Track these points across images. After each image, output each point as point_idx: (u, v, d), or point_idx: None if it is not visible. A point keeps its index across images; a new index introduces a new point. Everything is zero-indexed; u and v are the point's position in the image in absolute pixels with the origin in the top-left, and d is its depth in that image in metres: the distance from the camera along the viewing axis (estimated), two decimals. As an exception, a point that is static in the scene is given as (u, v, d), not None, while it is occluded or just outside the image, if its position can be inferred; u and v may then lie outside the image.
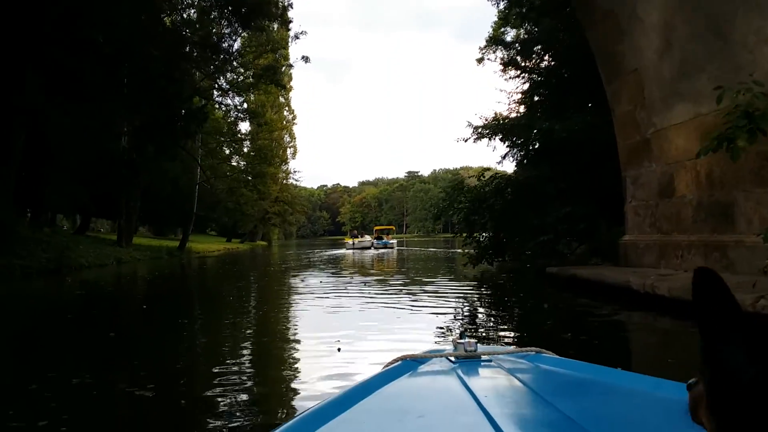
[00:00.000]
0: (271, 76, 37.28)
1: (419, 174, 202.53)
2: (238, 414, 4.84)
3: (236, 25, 31.25)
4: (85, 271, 25.31)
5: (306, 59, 37.72)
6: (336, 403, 1.66)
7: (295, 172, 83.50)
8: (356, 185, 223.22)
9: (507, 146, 25.64)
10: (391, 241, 61.99)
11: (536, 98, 22.46)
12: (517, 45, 30.86)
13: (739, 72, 9.31)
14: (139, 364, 7.19)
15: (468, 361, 2.18)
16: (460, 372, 2.01)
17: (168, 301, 15.37)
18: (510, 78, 31.70)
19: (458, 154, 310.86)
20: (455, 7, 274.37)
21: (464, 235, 21.36)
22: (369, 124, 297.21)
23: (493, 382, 2.03)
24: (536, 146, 19.05)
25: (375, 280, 19.24)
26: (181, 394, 5.88)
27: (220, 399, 5.29)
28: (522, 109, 25.91)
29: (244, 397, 5.48)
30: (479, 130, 22.60)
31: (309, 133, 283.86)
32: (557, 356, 2.32)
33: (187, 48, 30.34)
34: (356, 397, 1.72)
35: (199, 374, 6.68)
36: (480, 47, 34.89)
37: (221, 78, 41.00)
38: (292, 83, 77.40)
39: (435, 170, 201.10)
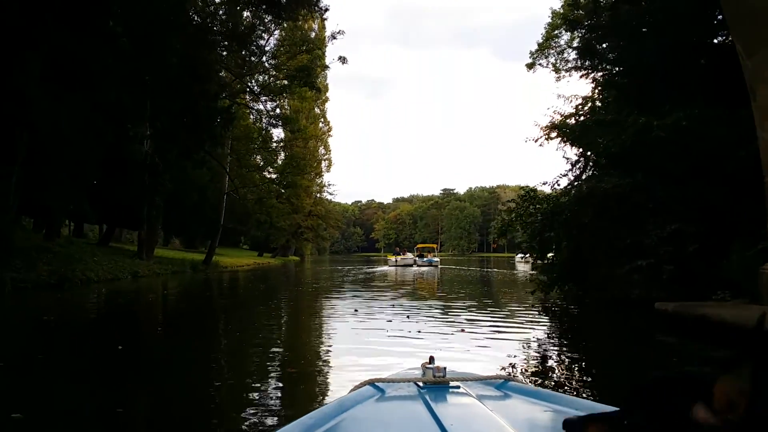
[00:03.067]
0: (305, 78, 34.30)
1: (454, 191, 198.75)
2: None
3: (265, 14, 28.26)
4: (92, 285, 22.46)
5: (343, 60, 34.77)
6: (299, 426, 1.65)
7: (329, 185, 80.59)
8: (391, 202, 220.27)
9: (578, 153, 22.27)
10: (435, 259, 59.78)
11: (606, 99, 18.79)
12: (582, 41, 27.90)
13: None
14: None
15: (436, 387, 2.15)
16: (427, 398, 1.99)
17: (164, 334, 12.31)
18: (568, 82, 28.95)
19: (494, 172, 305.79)
20: (496, 26, 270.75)
21: (528, 256, 18.10)
22: (404, 140, 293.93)
23: (460, 409, 1.96)
24: (624, 148, 15.25)
25: (428, 313, 16.05)
26: None
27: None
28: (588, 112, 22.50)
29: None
30: (549, 131, 19.27)
31: (345, 149, 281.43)
32: (527, 385, 2.35)
33: (212, 40, 27.29)
34: (319, 422, 1.70)
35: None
36: (531, 51, 32.31)
37: (252, 80, 38.29)
38: (328, 94, 75.25)
39: (471, 188, 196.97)
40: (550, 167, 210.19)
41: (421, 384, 2.17)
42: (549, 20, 31.56)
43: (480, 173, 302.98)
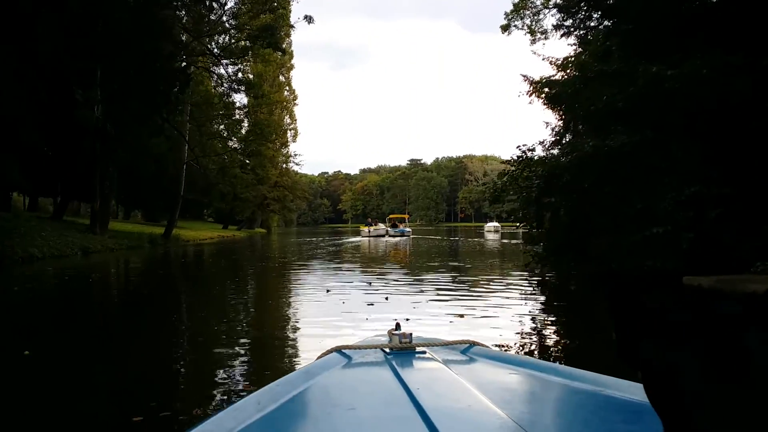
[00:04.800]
0: (268, 38, 32.08)
1: (422, 162, 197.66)
2: None
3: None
4: (36, 263, 20.35)
5: (309, 19, 32.66)
6: (265, 394, 1.64)
7: (295, 155, 78.28)
8: (358, 173, 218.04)
9: (559, 116, 20.57)
10: (408, 229, 60.69)
11: (606, 50, 16.87)
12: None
13: None
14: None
15: (402, 353, 2.17)
16: (394, 363, 2.01)
17: (102, 323, 10.38)
18: (543, 45, 27.68)
19: (461, 143, 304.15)
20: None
21: (521, 225, 16.50)
22: (371, 111, 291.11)
23: (426, 374, 1.98)
24: (633, 102, 13.35)
25: (412, 287, 14.35)
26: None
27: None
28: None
29: None
30: (537, 87, 17.52)
31: (311, 120, 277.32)
32: (492, 349, 2.33)
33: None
34: (286, 389, 1.70)
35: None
36: (506, 12, 30.88)
37: (212, 42, 35.88)
38: (293, 62, 72.61)
39: (438, 158, 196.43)
40: (522, 135, 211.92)
41: (387, 350, 2.20)
42: None
43: (447, 144, 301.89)
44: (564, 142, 19.53)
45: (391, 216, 77.97)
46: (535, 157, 15.93)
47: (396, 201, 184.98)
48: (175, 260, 26.23)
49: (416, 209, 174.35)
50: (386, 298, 10.95)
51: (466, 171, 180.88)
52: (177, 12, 30.17)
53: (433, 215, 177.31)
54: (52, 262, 21.08)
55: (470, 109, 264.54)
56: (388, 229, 59.92)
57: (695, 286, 8.95)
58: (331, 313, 9.59)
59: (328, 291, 12.48)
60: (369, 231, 58.39)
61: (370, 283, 14.02)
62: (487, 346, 2.30)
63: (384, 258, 26.07)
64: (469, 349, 2.25)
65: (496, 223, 77.46)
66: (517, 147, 16.39)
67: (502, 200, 17.01)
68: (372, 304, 10.20)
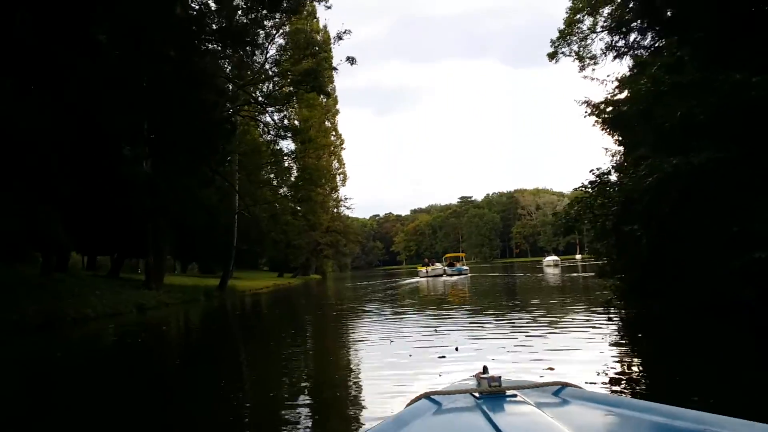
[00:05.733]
0: (312, 82, 31.68)
1: (472, 199, 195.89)
2: None
3: (261, 6, 25.51)
4: (90, 323, 19.84)
5: (352, 60, 32.03)
6: None
7: (346, 199, 77.91)
8: (409, 213, 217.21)
9: (618, 140, 19.32)
10: (465, 268, 59.50)
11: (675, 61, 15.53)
12: (614, 16, 25.32)
13: None
14: None
15: (492, 397, 2.09)
16: (485, 408, 1.94)
17: (151, 385, 9.51)
18: (593, 70, 26.88)
19: (511, 177, 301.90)
20: (503, 34, 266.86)
21: (602, 258, 15.23)
22: (418, 152, 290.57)
23: (519, 419, 1.88)
24: (716, 114, 12.02)
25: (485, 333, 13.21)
26: None
27: None
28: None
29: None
30: (601, 107, 16.38)
31: (358, 164, 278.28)
32: (585, 390, 2.24)
33: (205, 39, 24.56)
34: None
35: None
36: (551, 40, 30.08)
37: (256, 91, 35.70)
38: (338, 107, 72.80)
39: (488, 194, 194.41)
40: (572, 165, 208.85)
41: (477, 395, 2.12)
42: (570, 4, 29.51)
43: (496, 179, 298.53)
44: (626, 166, 18.32)
45: (447, 255, 77.03)
46: (609, 182, 14.70)
47: (449, 240, 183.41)
48: (230, 312, 25.53)
49: (470, 247, 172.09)
50: (456, 349, 9.77)
51: (518, 205, 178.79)
52: (219, 62, 30.01)
53: (487, 252, 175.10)
54: (105, 321, 20.56)
55: (517, 143, 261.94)
56: (446, 268, 59.14)
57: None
58: (398, 368, 8.54)
59: (391, 341, 11.41)
60: (427, 271, 57.86)
61: (437, 329, 12.89)
62: (580, 387, 2.20)
63: (446, 300, 24.86)
64: (561, 391, 2.18)
65: (555, 257, 75.79)
66: (591, 171, 15.21)
67: (577, 230, 15.74)
68: (443, 357, 9.07)
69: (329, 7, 25.95)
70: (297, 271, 70.28)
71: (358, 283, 51.36)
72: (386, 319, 17.30)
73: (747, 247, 10.29)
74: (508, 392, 2.11)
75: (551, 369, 7.57)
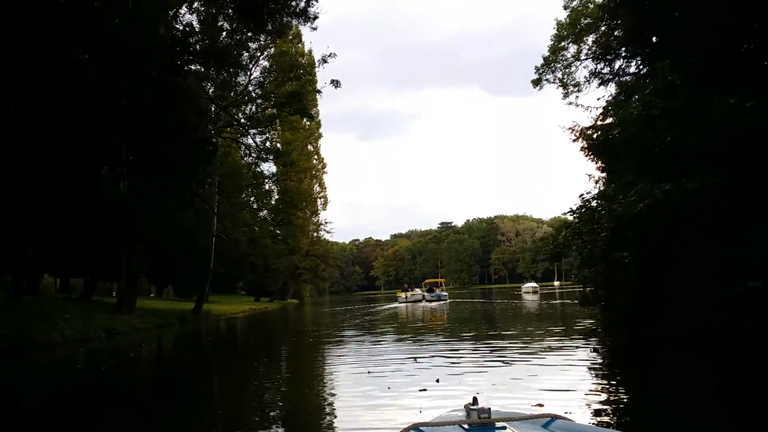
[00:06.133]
0: (295, 104, 31.32)
1: (453, 224, 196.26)
2: None
3: (244, 25, 25.15)
4: (57, 349, 19.08)
5: (336, 83, 31.75)
6: None
7: (326, 223, 77.31)
8: (389, 238, 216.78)
9: (600, 167, 19.13)
10: (444, 293, 60.05)
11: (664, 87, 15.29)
12: (600, 43, 25.36)
13: None
14: None
15: (482, 429, 2.10)
16: None
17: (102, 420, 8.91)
18: (577, 97, 27.03)
19: (491, 204, 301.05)
20: (484, 61, 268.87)
21: (588, 285, 14.88)
22: (399, 177, 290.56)
23: None
24: (709, 139, 11.76)
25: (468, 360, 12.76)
26: None
27: None
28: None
29: None
30: (587, 132, 16.16)
31: (340, 188, 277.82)
32: (575, 422, 2.26)
33: (188, 60, 24.12)
34: None
35: None
36: (536, 66, 30.20)
37: (238, 113, 35.30)
38: (321, 131, 72.61)
39: (469, 220, 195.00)
40: (554, 192, 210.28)
41: (466, 426, 2.11)
42: (554, 31, 29.73)
43: (477, 205, 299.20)
44: (610, 192, 18.15)
45: (427, 281, 77.50)
46: (597, 208, 14.41)
47: (428, 265, 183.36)
48: (204, 338, 24.84)
49: (449, 272, 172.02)
50: (437, 380, 9.32)
51: (498, 231, 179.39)
52: (202, 82, 29.63)
53: (466, 278, 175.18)
54: (74, 346, 19.81)
55: (497, 170, 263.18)
56: (425, 294, 59.12)
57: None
58: (377, 400, 8.10)
59: (369, 372, 10.92)
60: (406, 297, 57.94)
61: (416, 359, 12.42)
62: (569, 419, 2.20)
63: (426, 327, 24.40)
64: (551, 423, 2.16)
65: (534, 284, 76.06)
66: (580, 196, 15.00)
67: (565, 256, 15.45)
68: (424, 390, 8.62)
69: (315, 29, 25.54)
70: (274, 296, 69.40)
71: (336, 308, 50.80)
72: (364, 347, 16.76)
73: (740, 275, 10.00)
74: (498, 424, 2.11)
75: (540, 405, 7.16)
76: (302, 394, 10.10)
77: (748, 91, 11.08)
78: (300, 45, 46.34)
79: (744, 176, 10.71)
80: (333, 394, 9.75)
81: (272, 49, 34.64)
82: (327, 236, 78.77)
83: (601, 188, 20.02)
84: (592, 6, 26.95)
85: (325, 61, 32.55)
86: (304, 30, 36.01)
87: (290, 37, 37.84)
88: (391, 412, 7.39)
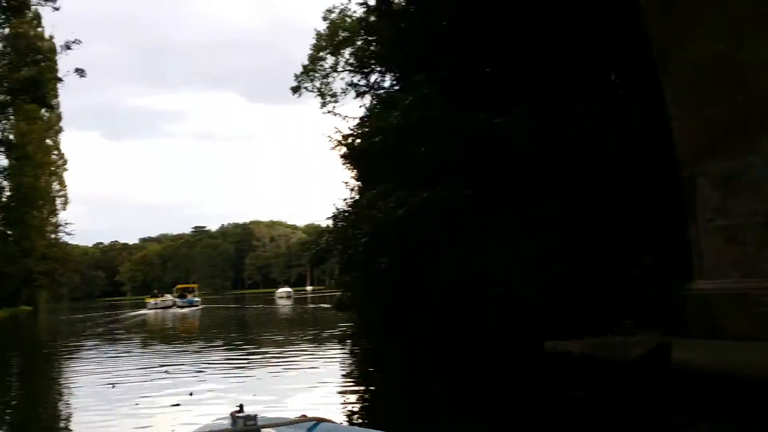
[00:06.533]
0: (33, 92, 28.35)
1: (206, 229, 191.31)
2: None
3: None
4: None
5: (81, 72, 29.26)
6: None
7: (66, 224, 70.94)
8: (137, 242, 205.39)
9: (356, 176, 19.61)
10: (197, 299, 59.24)
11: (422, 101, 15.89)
12: (358, 55, 26.03)
13: None
14: None
15: None
16: None
17: None
18: (334, 107, 27.75)
19: (247, 209, 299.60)
20: (244, 67, 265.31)
21: (345, 291, 15.00)
22: (151, 178, 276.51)
23: None
24: (459, 154, 12.32)
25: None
26: None
27: None
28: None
29: None
30: (345, 141, 16.35)
31: (83, 188, 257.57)
32: (339, 424, 2.48)
33: None
34: None
35: None
36: (295, 74, 30.73)
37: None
38: (62, 124, 66.73)
39: (224, 225, 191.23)
40: (305, 201, 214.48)
41: None
42: (314, 41, 30.41)
43: (233, 210, 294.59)
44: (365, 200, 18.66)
45: (179, 286, 73.97)
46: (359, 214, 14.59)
47: (179, 270, 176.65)
48: None
49: (202, 278, 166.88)
50: (191, 394, 8.67)
51: (253, 237, 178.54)
52: None
53: (219, 283, 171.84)
54: None
55: (254, 175, 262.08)
56: (176, 300, 57.96)
57: (563, 352, 7.91)
58: (126, 418, 7.36)
59: (113, 386, 9.94)
60: (156, 303, 56.18)
61: (168, 370, 11.57)
62: (333, 422, 2.34)
63: (176, 334, 23.35)
64: (316, 427, 2.22)
65: (288, 289, 76.67)
66: (345, 200, 15.17)
67: (327, 260, 15.48)
68: (178, 405, 7.97)
69: (57, 9, 23.13)
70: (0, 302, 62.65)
71: (76, 315, 47.36)
72: (106, 358, 15.33)
73: (487, 283, 10.62)
74: (264, 430, 2.15)
75: (304, 416, 6.95)
76: (35, 414, 8.92)
77: (499, 106, 11.84)
78: (40, 29, 42.13)
79: (491, 189, 11.41)
80: (71, 413, 8.72)
81: (6, 30, 31.13)
82: (67, 238, 72.43)
83: (356, 196, 20.62)
84: (349, 20, 27.65)
85: (68, 48, 29.94)
86: (45, 12, 32.80)
87: (29, 17, 34.25)
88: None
